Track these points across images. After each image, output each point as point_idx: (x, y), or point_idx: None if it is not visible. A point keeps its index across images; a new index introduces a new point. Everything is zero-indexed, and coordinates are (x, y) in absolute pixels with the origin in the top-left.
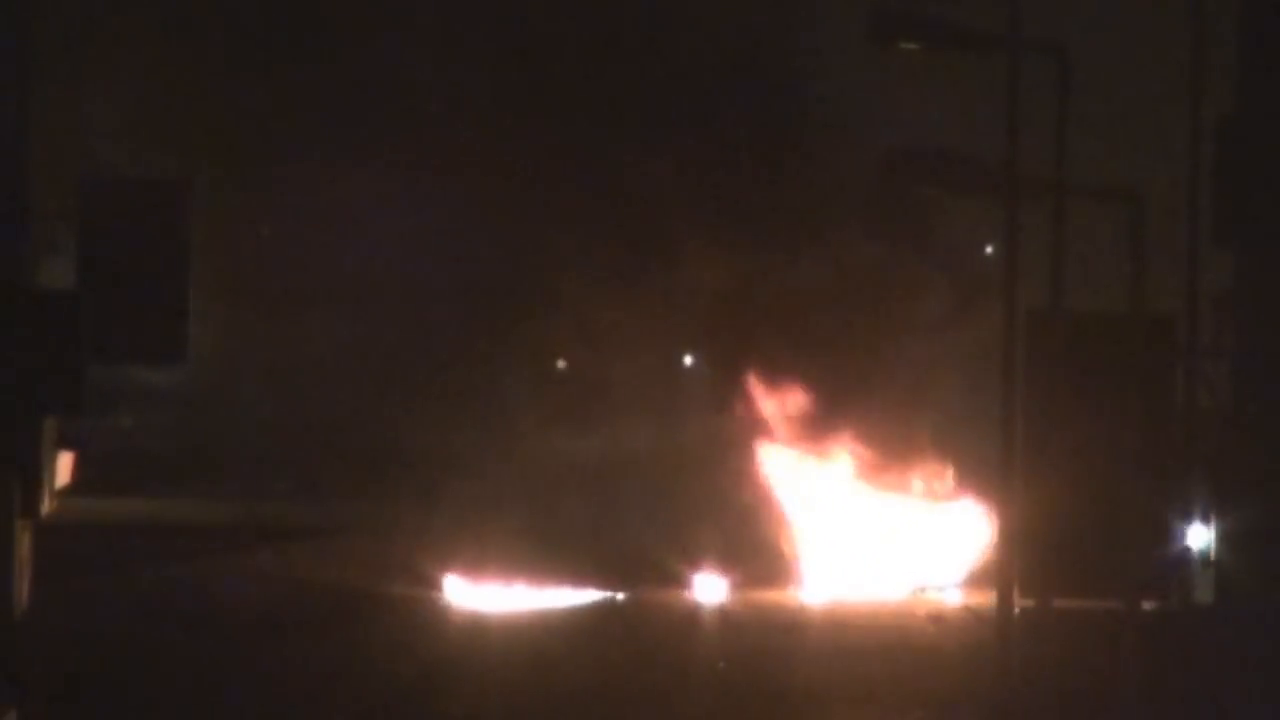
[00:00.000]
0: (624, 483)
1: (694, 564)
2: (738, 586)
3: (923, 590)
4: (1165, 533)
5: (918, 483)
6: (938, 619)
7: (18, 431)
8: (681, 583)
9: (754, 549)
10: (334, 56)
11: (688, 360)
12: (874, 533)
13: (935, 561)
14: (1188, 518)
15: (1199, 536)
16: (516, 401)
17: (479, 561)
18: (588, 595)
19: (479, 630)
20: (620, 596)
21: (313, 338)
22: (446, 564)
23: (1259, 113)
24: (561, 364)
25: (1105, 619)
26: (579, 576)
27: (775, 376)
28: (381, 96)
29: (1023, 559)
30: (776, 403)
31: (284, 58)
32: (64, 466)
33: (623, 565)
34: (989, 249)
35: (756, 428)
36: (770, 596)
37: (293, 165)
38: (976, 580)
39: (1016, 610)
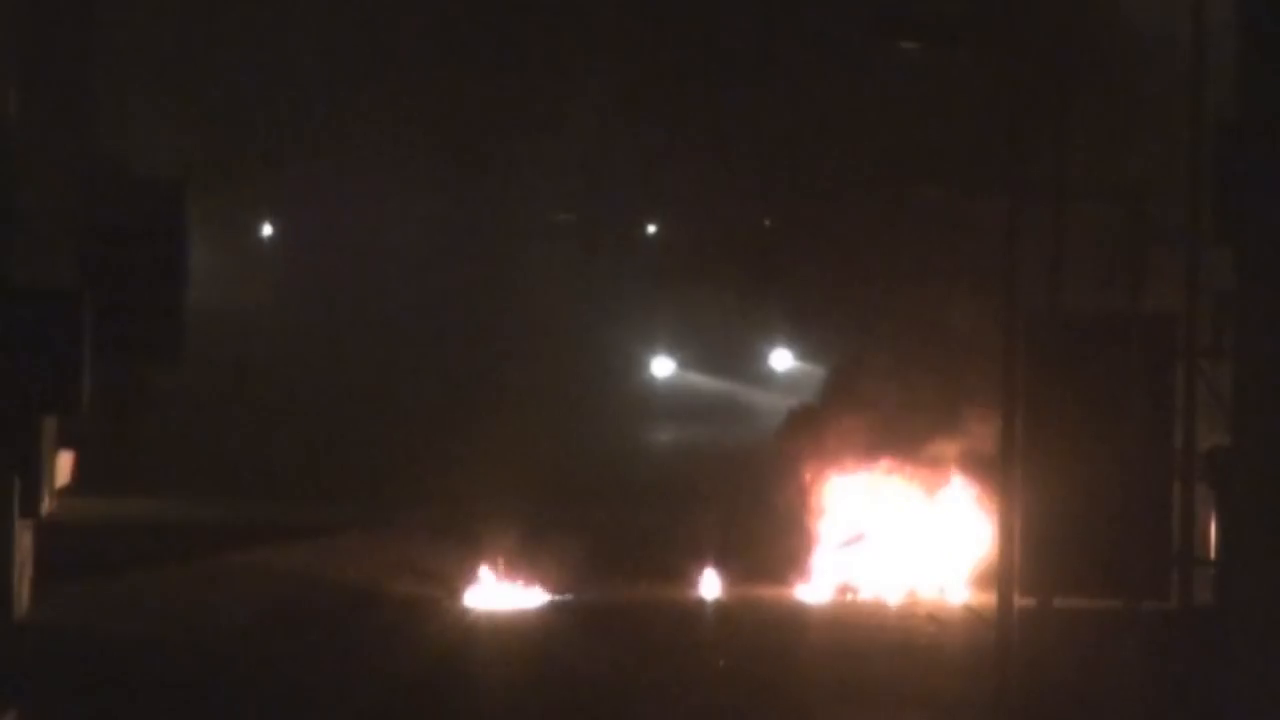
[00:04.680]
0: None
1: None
2: (739, 582)
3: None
4: (1166, 532)
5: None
6: (938, 618)
7: (17, 431)
8: (684, 578)
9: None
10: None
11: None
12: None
13: (939, 560)
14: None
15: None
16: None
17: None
18: (589, 593)
19: (482, 628)
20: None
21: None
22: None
23: (1260, 113)
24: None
25: (1105, 619)
26: (581, 573)
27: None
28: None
29: (1023, 558)
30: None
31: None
32: (64, 466)
33: (625, 561)
34: None
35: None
36: (772, 593)
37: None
38: (979, 580)
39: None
